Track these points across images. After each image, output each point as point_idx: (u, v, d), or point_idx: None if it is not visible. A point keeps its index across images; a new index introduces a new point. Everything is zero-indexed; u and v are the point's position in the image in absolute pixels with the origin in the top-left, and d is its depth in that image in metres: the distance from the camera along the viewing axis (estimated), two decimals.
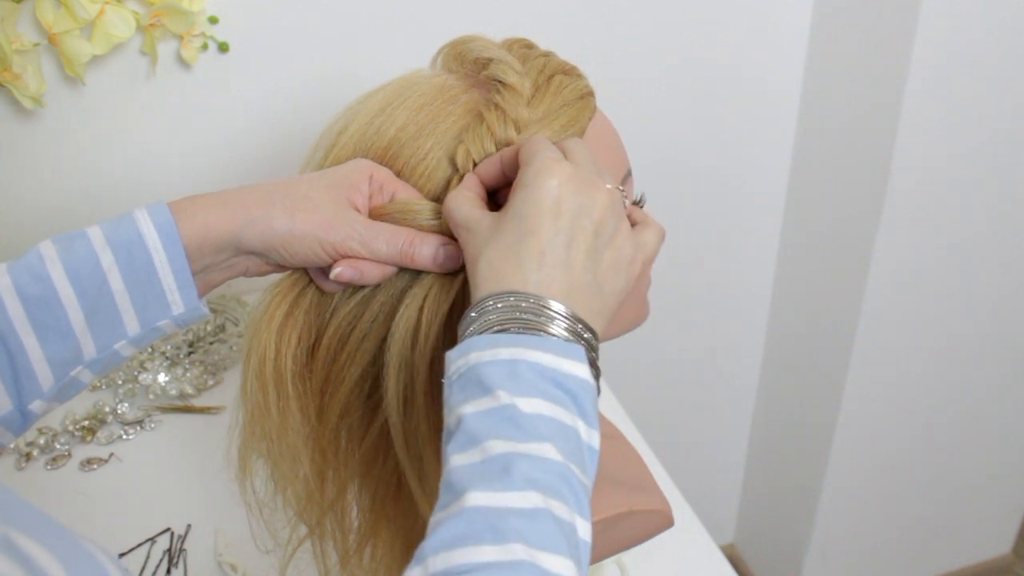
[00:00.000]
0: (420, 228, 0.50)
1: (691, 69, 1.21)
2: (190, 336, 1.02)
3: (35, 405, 0.49)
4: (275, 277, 0.55)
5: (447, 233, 0.50)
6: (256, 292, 0.95)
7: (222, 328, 1.04)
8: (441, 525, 0.37)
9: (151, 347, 0.99)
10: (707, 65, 1.21)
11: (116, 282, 0.49)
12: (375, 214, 0.51)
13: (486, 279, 0.44)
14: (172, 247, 0.49)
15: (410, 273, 0.51)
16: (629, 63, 1.17)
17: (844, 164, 1.25)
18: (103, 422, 0.93)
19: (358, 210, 0.51)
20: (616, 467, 0.67)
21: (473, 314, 0.43)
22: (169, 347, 1.00)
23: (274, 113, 1.03)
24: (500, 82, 0.52)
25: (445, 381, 0.42)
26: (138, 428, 0.92)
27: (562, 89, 0.53)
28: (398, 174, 0.52)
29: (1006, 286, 1.37)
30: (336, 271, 0.50)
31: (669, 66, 1.19)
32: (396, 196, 0.51)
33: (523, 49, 0.55)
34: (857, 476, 1.49)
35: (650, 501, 0.65)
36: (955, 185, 1.23)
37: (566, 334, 0.42)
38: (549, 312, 0.42)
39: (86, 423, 0.92)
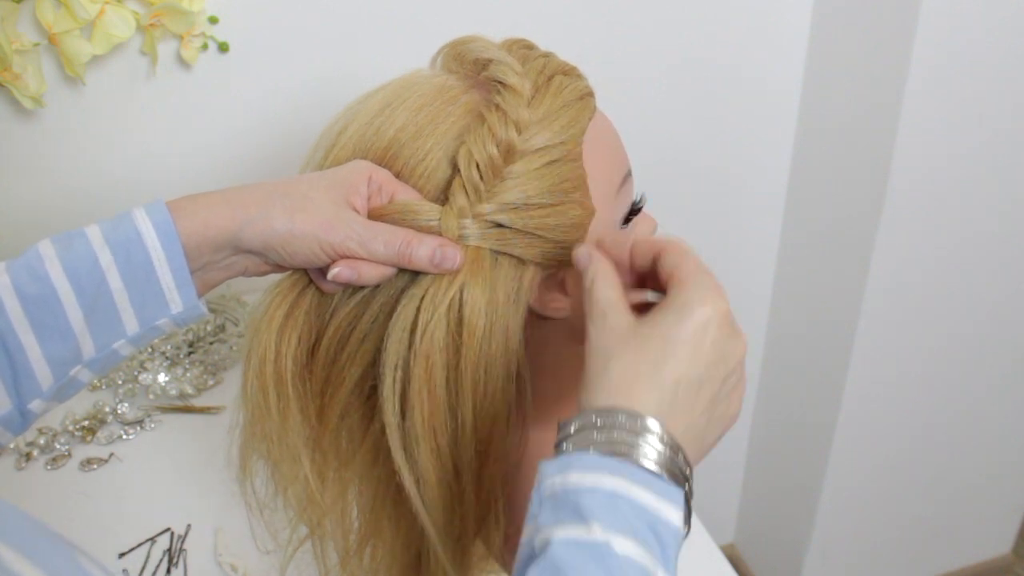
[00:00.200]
0: (419, 229, 0.50)
1: (691, 69, 1.21)
2: (190, 336, 1.02)
3: (34, 404, 0.49)
4: (275, 277, 0.55)
5: (445, 234, 0.50)
6: (256, 292, 0.95)
7: (222, 328, 1.04)
8: None
9: (151, 347, 0.99)
10: (707, 65, 1.21)
11: (115, 281, 0.49)
12: (375, 215, 0.51)
13: (617, 387, 0.42)
14: (170, 246, 0.49)
15: (409, 274, 0.51)
16: (629, 63, 1.17)
17: (844, 164, 1.25)
18: (103, 422, 0.93)
19: (357, 211, 0.51)
20: None
21: (594, 420, 0.41)
22: (169, 347, 1.00)
23: (274, 113, 1.03)
24: (500, 83, 0.52)
25: (535, 492, 0.40)
26: (138, 428, 0.92)
27: (562, 90, 0.53)
28: (398, 174, 0.52)
29: (1006, 286, 1.37)
30: (334, 271, 0.50)
31: (669, 66, 1.19)
32: (395, 197, 0.51)
33: (523, 50, 0.55)
34: (857, 476, 1.49)
35: None
36: (955, 185, 1.23)
37: (669, 474, 0.40)
38: (667, 447, 0.40)
39: (86, 423, 0.92)
